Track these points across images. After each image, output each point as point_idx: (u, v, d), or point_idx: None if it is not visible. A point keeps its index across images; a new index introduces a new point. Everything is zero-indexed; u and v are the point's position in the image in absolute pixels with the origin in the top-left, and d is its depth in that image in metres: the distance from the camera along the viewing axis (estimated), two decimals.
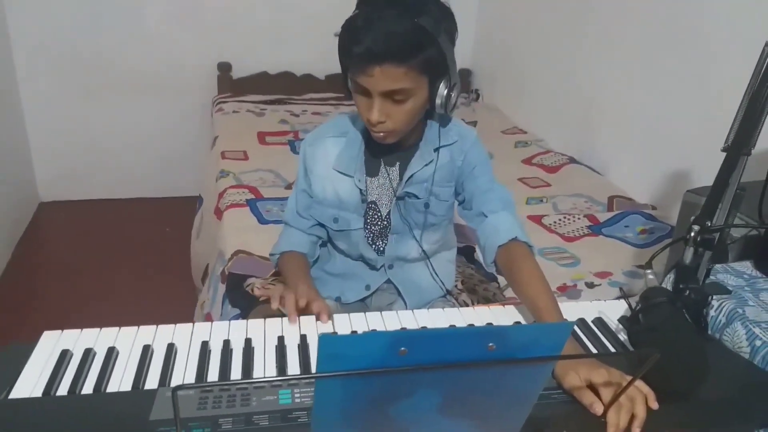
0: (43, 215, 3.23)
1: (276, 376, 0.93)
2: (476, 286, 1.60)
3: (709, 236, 0.89)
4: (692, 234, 0.90)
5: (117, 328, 1.03)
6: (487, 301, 1.56)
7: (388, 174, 1.25)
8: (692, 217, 0.92)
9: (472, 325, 1.09)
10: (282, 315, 1.10)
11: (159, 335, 1.02)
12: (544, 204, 2.26)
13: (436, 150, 1.23)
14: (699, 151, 1.85)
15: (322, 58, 3.20)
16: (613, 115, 2.46)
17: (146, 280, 2.67)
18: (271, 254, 1.37)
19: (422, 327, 1.08)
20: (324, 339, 0.59)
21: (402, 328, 1.07)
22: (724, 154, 1.00)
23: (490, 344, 0.64)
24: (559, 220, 2.11)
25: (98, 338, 1.01)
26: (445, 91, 1.12)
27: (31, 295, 2.58)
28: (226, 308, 1.58)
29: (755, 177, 1.22)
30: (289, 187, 2.29)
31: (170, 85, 3.24)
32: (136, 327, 1.04)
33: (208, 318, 1.83)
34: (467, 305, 1.52)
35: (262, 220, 2.03)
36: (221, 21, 3.18)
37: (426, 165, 1.23)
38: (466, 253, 1.74)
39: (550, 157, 2.65)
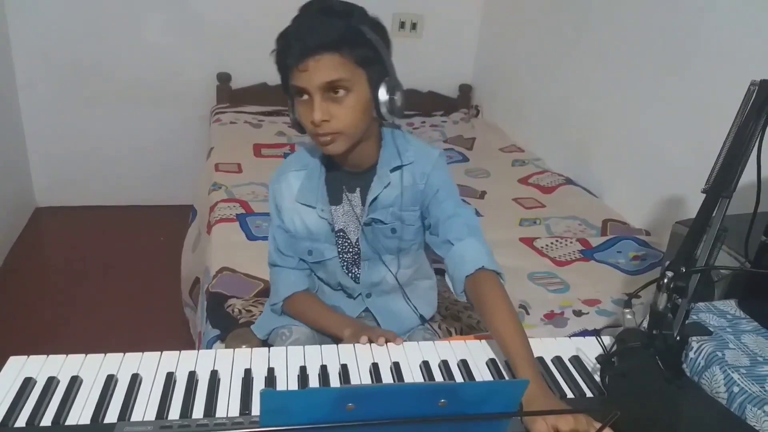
0: (38, 220, 3.23)
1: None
2: (460, 313, 1.59)
3: (682, 283, 0.87)
4: (665, 280, 0.87)
5: (83, 355, 1.02)
6: (470, 329, 1.54)
7: (350, 200, 1.24)
8: (666, 262, 0.90)
9: (446, 361, 1.07)
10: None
11: (125, 364, 1.01)
12: (538, 226, 2.24)
13: (393, 171, 1.21)
14: (694, 179, 1.81)
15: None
16: (610, 137, 2.44)
17: (138, 291, 2.66)
18: (273, 305, 1.33)
19: (395, 362, 1.06)
20: (266, 394, 0.57)
21: (374, 363, 1.05)
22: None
23: (442, 401, 0.62)
24: (551, 243, 2.09)
25: (63, 366, 1.00)
26: (386, 95, 1.11)
27: (21, 303, 2.57)
28: (207, 328, 1.57)
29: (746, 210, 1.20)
30: None
31: (169, 94, 3.24)
32: (102, 354, 1.02)
33: (200, 337, 1.81)
34: (450, 333, 1.51)
35: (250, 236, 2.01)
36: (221, 31, 3.18)
37: (385, 188, 1.21)
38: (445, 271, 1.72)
39: (547, 177, 2.62)
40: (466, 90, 3.50)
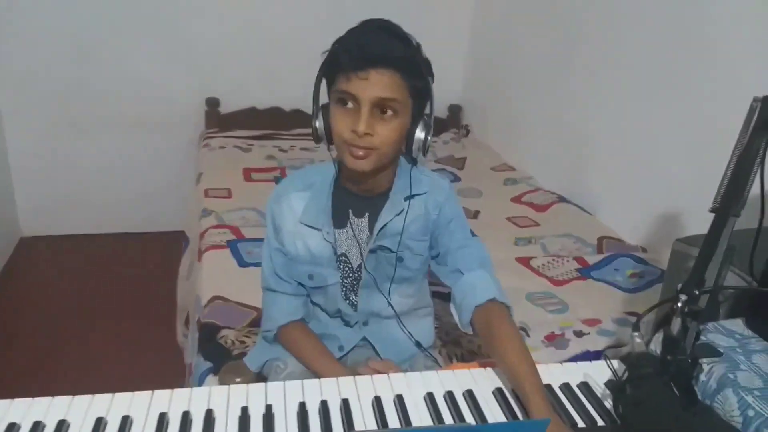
0: (23, 250, 3.16)
1: None
2: (461, 337, 1.55)
3: (697, 307, 0.84)
4: (679, 304, 0.84)
5: (70, 397, 0.97)
6: (471, 354, 1.51)
7: (357, 225, 1.20)
8: (679, 285, 0.87)
9: (451, 392, 1.03)
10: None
11: (114, 405, 0.96)
12: (533, 245, 2.22)
13: (407, 199, 1.18)
14: (690, 194, 1.81)
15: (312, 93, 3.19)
16: (602, 154, 2.43)
17: (129, 322, 2.58)
18: (266, 331, 1.28)
19: (398, 395, 1.02)
20: None
21: (376, 396, 1.01)
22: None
23: None
24: (548, 262, 2.06)
25: (49, 409, 0.95)
26: (422, 133, 1.09)
27: (6, 338, 2.49)
28: (199, 360, 1.52)
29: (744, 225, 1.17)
30: None
31: (157, 119, 3.19)
32: (90, 396, 0.97)
33: (190, 368, 1.76)
34: (450, 360, 1.47)
35: (242, 263, 1.96)
36: (210, 56, 3.15)
37: (397, 215, 1.17)
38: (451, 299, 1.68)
39: (540, 195, 2.61)
40: (455, 110, 3.49)
